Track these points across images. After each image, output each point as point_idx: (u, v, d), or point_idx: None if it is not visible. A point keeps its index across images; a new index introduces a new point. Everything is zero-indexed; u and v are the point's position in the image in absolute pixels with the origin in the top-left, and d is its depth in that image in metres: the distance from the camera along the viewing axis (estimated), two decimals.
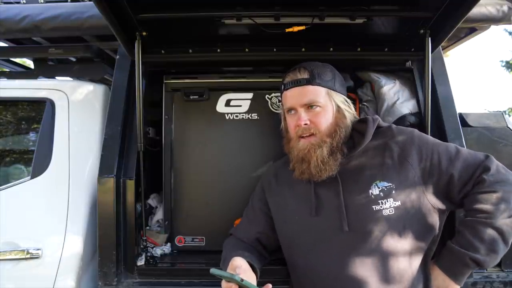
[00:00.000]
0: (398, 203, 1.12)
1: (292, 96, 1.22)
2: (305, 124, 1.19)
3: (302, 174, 1.20)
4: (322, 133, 1.19)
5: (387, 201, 1.12)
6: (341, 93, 1.26)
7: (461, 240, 1.11)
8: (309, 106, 1.20)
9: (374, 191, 1.14)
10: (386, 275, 1.09)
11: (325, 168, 1.16)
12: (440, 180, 1.13)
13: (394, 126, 1.25)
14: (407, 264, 1.11)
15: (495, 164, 1.13)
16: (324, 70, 1.24)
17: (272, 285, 1.02)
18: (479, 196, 1.10)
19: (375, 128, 1.22)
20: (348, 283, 1.10)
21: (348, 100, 1.28)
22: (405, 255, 1.11)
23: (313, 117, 1.20)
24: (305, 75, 1.22)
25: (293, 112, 1.23)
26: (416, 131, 1.22)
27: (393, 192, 1.13)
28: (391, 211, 1.12)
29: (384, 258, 1.10)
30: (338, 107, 1.23)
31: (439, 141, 1.20)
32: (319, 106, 1.20)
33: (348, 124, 1.24)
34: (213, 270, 0.97)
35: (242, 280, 0.97)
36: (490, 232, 1.07)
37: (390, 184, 1.14)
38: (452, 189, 1.13)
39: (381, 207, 1.12)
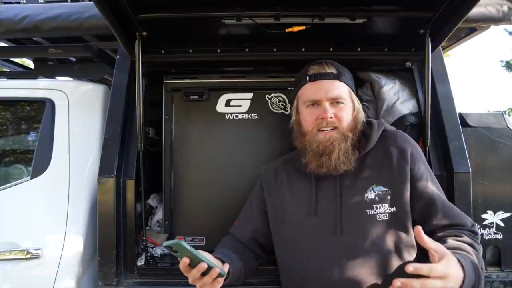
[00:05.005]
0: (393, 209, 1.12)
1: (319, 88, 1.20)
2: (330, 117, 1.18)
3: (320, 167, 1.18)
4: (344, 128, 1.19)
5: (382, 206, 1.13)
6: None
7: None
8: (335, 101, 1.20)
9: (370, 195, 1.14)
10: (376, 280, 1.08)
11: (345, 162, 1.16)
12: (420, 201, 1.14)
13: (400, 132, 1.26)
14: None
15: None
16: (346, 70, 1.26)
17: (265, 285, 1.00)
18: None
19: (380, 133, 1.22)
20: (338, 286, 1.09)
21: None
22: (397, 260, 1.10)
23: (338, 112, 1.19)
24: (333, 70, 1.22)
25: (315, 105, 1.21)
26: (418, 147, 1.24)
27: (389, 197, 1.13)
28: (385, 216, 1.12)
29: (375, 263, 1.09)
30: (358, 108, 1.24)
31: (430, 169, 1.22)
32: (343, 103, 1.20)
33: (361, 125, 1.25)
34: (165, 243, 0.91)
35: (190, 247, 0.90)
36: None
37: (386, 189, 1.14)
38: (432, 212, 1.12)
39: (375, 211, 1.13)
